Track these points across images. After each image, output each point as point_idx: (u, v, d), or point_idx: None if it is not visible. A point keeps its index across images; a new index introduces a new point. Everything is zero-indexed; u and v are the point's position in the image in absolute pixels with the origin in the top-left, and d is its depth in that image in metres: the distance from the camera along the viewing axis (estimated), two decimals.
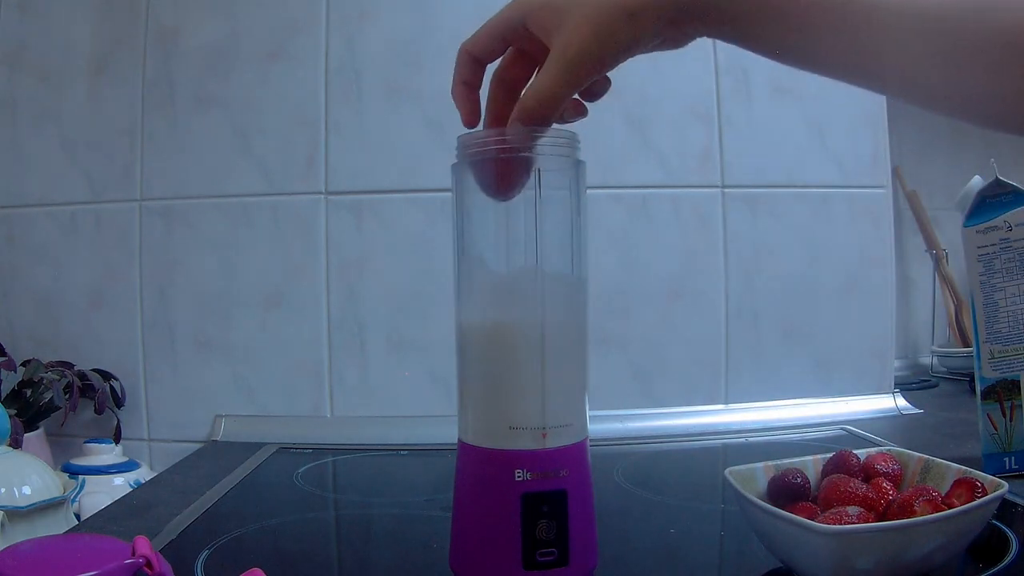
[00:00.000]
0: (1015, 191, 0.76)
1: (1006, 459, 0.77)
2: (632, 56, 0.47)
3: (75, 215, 1.09)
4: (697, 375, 1.09)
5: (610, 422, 1.03)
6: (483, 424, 0.51)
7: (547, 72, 0.46)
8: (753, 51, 0.48)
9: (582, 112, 0.52)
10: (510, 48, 0.52)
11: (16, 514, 0.69)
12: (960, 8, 0.42)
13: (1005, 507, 0.59)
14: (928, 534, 0.47)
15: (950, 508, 0.50)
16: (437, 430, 0.87)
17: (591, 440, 0.52)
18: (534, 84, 0.47)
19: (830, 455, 0.59)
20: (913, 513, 0.50)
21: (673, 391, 1.08)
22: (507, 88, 0.52)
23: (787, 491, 0.55)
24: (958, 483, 0.53)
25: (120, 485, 0.92)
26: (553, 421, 0.49)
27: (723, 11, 0.45)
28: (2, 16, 1.11)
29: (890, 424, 1.06)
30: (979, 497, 0.50)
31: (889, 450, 0.61)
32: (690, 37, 0.48)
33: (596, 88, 0.51)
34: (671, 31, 0.46)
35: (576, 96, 0.50)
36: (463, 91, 0.52)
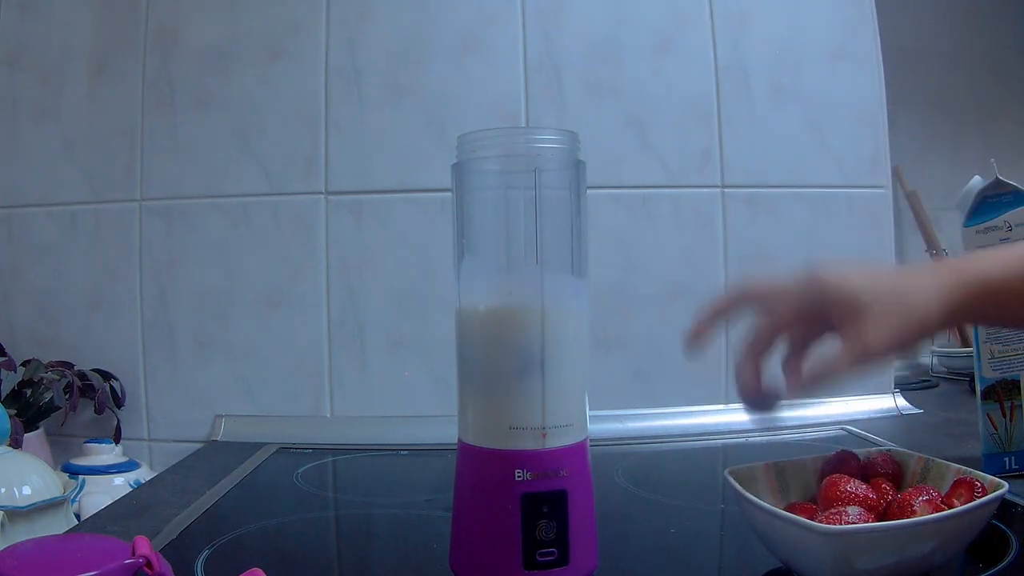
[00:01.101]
0: (1015, 191, 0.76)
1: (1006, 459, 0.77)
2: None
3: (75, 215, 1.09)
4: (697, 375, 1.09)
5: (610, 422, 1.03)
6: (483, 424, 0.51)
7: (847, 354, 0.51)
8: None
9: None
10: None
11: (16, 514, 0.69)
12: None
13: (1005, 507, 0.59)
14: (928, 534, 0.47)
15: (950, 508, 0.50)
16: (437, 430, 0.87)
17: (591, 440, 0.52)
18: (830, 361, 0.51)
19: (830, 455, 0.59)
20: (913, 513, 0.50)
21: (673, 391, 1.08)
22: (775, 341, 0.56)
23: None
24: (958, 483, 0.53)
25: (120, 485, 0.92)
26: (553, 421, 0.49)
27: (981, 315, 0.56)
28: (2, 16, 1.11)
29: (890, 424, 1.06)
30: (979, 497, 0.50)
31: (889, 450, 0.61)
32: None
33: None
34: (948, 327, 0.54)
35: None
36: (703, 324, 0.58)
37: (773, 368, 0.55)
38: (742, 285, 0.58)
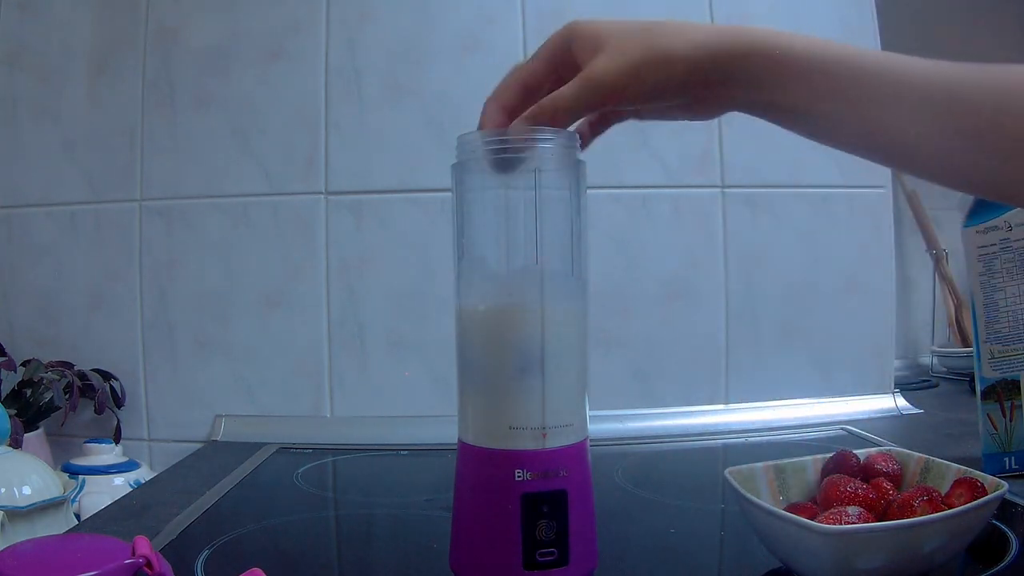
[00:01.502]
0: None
1: (1006, 459, 0.77)
2: (658, 106, 0.50)
3: (75, 215, 1.09)
4: (697, 375, 1.09)
5: (610, 422, 1.03)
6: (483, 424, 0.51)
7: (569, 86, 0.48)
8: (779, 123, 0.51)
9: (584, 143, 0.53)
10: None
11: (16, 514, 0.69)
12: (969, 93, 0.42)
13: (1005, 507, 0.59)
14: (929, 534, 0.48)
15: (950, 508, 0.50)
16: (437, 430, 0.87)
17: (591, 440, 0.52)
18: (553, 93, 0.49)
19: (830, 455, 0.59)
20: (913, 513, 0.50)
21: (673, 391, 1.08)
22: (525, 92, 0.52)
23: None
24: (958, 483, 0.53)
25: (120, 485, 0.92)
26: (553, 421, 0.49)
27: (752, 77, 0.47)
28: (2, 16, 1.11)
29: (890, 424, 1.06)
30: (979, 497, 0.50)
31: (889, 450, 0.61)
32: (719, 106, 0.50)
33: (611, 119, 0.53)
34: (700, 90, 0.48)
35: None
36: (499, 116, 0.51)
37: None
38: (512, 75, 0.53)
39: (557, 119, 0.48)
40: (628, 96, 0.47)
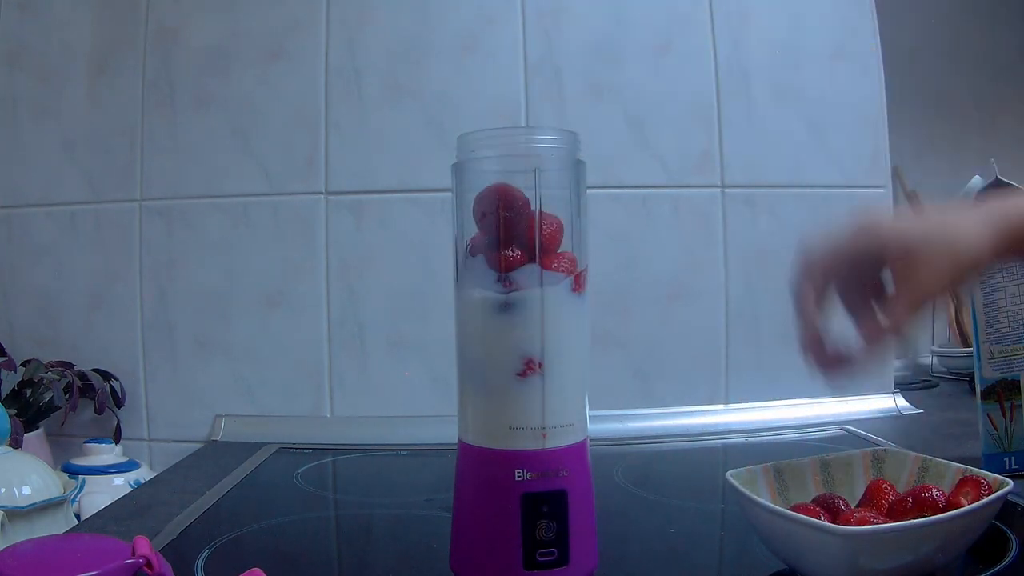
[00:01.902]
0: (1015, 191, 0.76)
1: (1006, 459, 0.77)
2: None
3: (75, 215, 1.09)
4: (697, 375, 1.09)
5: (610, 422, 1.03)
6: (483, 424, 0.51)
7: (900, 308, 0.53)
8: None
9: None
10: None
11: (16, 514, 0.69)
12: None
13: (1005, 507, 0.59)
14: (942, 532, 0.47)
15: (958, 507, 0.50)
16: (437, 430, 0.87)
17: (591, 440, 0.52)
18: (890, 308, 0.54)
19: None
20: (938, 508, 0.50)
21: (673, 391, 1.08)
22: (818, 289, 0.58)
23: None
24: (963, 482, 0.53)
25: (120, 485, 0.92)
26: (553, 421, 0.49)
27: None
28: (2, 16, 1.11)
29: (890, 424, 1.06)
30: (986, 495, 0.50)
31: (886, 450, 0.61)
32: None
33: None
34: (995, 264, 0.56)
35: None
36: (813, 313, 0.57)
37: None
38: (803, 261, 0.59)
39: (897, 335, 0.53)
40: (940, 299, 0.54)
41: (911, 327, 0.53)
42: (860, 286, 0.57)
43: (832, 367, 0.55)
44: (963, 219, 0.54)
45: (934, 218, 0.55)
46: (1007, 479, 0.51)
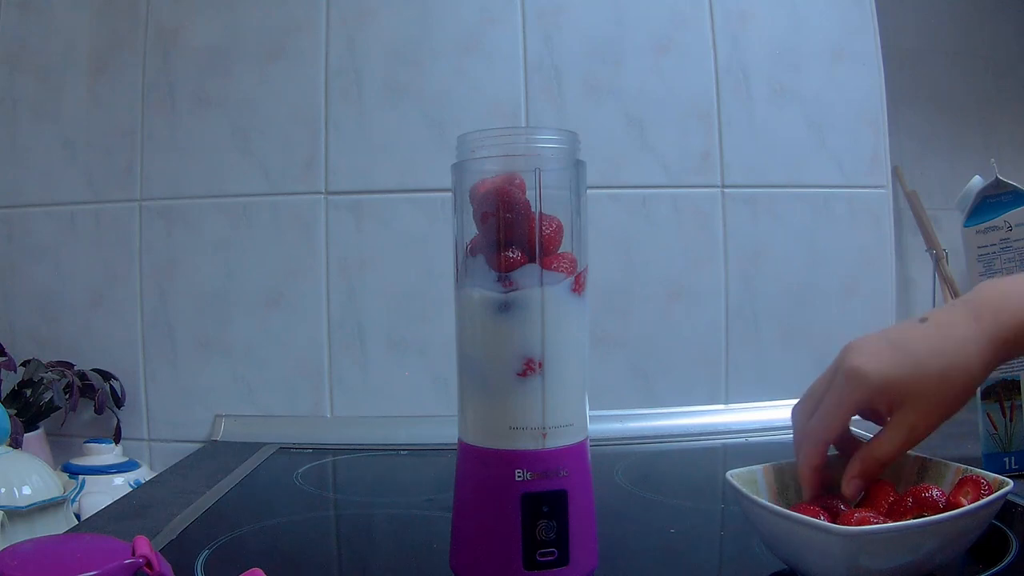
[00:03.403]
0: (1015, 191, 0.77)
1: (1006, 459, 0.77)
2: None
3: (75, 215, 1.09)
4: (697, 375, 1.09)
5: (610, 422, 1.03)
6: (483, 424, 0.51)
7: (891, 440, 0.53)
8: None
9: None
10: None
11: (16, 514, 0.69)
12: None
13: (1005, 507, 0.59)
14: (942, 532, 0.47)
15: (958, 506, 0.50)
16: (437, 430, 0.87)
17: (591, 440, 0.52)
18: (877, 446, 0.54)
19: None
20: (936, 509, 0.50)
21: (673, 391, 1.08)
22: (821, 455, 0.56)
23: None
24: (963, 481, 0.53)
25: (120, 485, 0.92)
26: (553, 421, 0.49)
27: None
28: (2, 16, 1.11)
29: None
30: (986, 495, 0.50)
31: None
32: None
33: None
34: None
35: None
36: (814, 477, 0.56)
37: None
38: (796, 422, 0.58)
39: (882, 469, 0.54)
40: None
41: (894, 462, 0.54)
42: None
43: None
44: (952, 342, 0.53)
45: (924, 354, 0.53)
46: (1007, 479, 0.51)
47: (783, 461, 0.59)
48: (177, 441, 1.06)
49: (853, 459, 0.54)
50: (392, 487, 0.88)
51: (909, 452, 0.59)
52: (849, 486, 0.54)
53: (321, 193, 1.07)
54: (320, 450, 0.97)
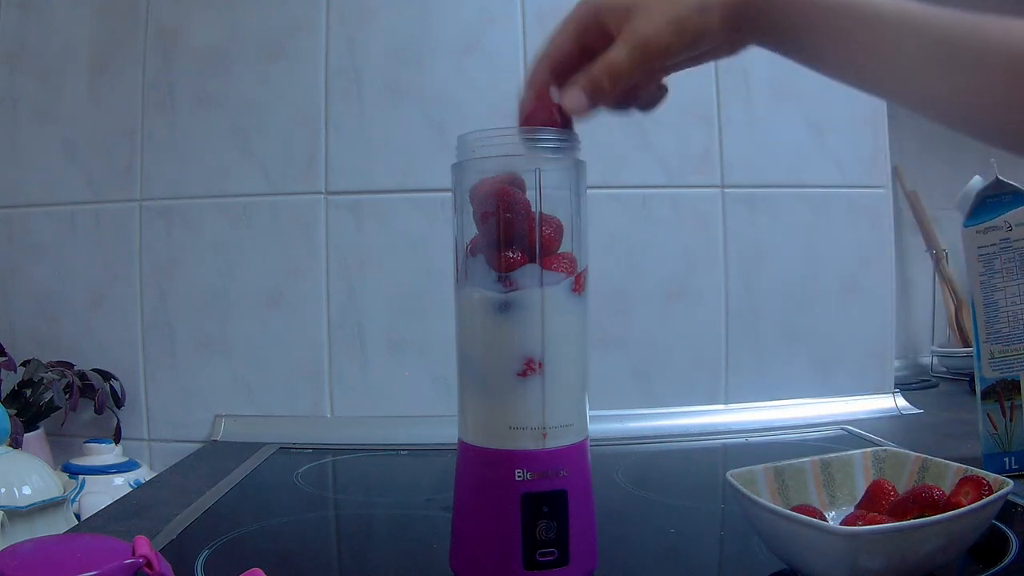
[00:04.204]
0: (1015, 191, 0.77)
1: (1006, 459, 0.77)
2: (695, 54, 0.52)
3: (75, 215, 1.09)
4: (697, 375, 1.09)
5: (610, 422, 1.03)
6: (483, 424, 0.51)
7: (617, 51, 0.49)
8: (795, 60, 0.55)
9: (658, 100, 0.57)
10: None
11: (16, 514, 0.69)
12: (960, 30, 0.46)
13: (1005, 507, 0.59)
14: (943, 532, 0.47)
15: (958, 506, 0.50)
16: (437, 430, 0.87)
17: (591, 440, 0.52)
18: (603, 59, 0.49)
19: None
20: (940, 507, 0.50)
21: (673, 391, 1.08)
22: (556, 73, 0.53)
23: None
24: (964, 481, 0.53)
25: (120, 485, 0.92)
26: (553, 421, 0.49)
27: (772, 19, 0.51)
28: (2, 15, 1.11)
29: (890, 424, 1.06)
30: (987, 495, 0.50)
31: (886, 450, 0.61)
32: (743, 45, 0.53)
33: (653, 97, 0.57)
34: (730, 34, 0.51)
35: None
36: (528, 92, 0.53)
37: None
38: (538, 60, 0.54)
39: (615, 85, 0.49)
40: (674, 51, 0.50)
41: (627, 75, 0.49)
42: (575, 58, 0.52)
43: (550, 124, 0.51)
44: None
45: None
46: (1007, 479, 0.51)
47: (783, 461, 0.59)
48: (177, 441, 1.06)
49: (580, 72, 0.50)
50: (392, 487, 0.88)
51: (909, 452, 0.60)
52: (569, 94, 0.50)
53: (321, 193, 1.07)
54: (320, 450, 0.97)
